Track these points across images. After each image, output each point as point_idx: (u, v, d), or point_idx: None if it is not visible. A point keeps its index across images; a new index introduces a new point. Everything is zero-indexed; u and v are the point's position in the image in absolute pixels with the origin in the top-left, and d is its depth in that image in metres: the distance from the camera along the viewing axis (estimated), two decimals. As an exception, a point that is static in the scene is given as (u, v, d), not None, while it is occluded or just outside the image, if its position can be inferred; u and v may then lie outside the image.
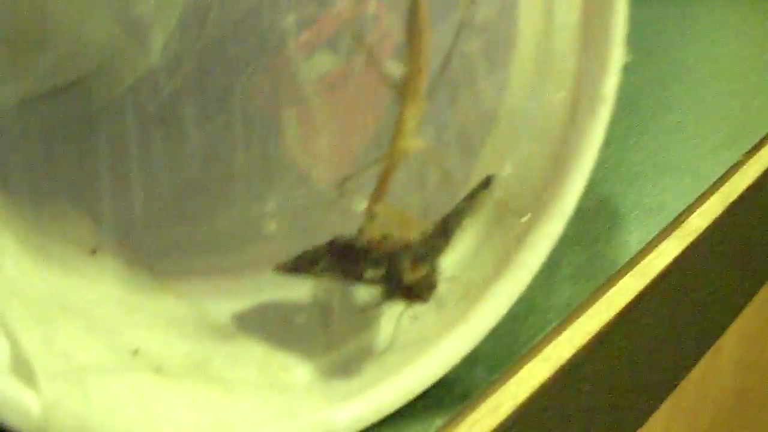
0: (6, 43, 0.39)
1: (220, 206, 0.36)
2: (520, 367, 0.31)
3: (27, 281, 0.28)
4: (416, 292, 0.26)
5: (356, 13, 0.35)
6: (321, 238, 0.29)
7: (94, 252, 0.32)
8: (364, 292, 0.30)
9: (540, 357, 0.31)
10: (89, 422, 0.23)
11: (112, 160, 0.36)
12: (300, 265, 0.29)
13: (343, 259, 0.28)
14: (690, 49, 0.57)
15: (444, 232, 0.28)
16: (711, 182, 0.41)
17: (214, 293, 0.32)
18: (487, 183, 0.29)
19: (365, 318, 0.30)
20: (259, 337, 0.30)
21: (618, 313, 0.34)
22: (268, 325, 0.31)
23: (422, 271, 0.26)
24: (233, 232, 0.35)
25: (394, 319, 0.28)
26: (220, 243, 0.35)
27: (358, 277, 0.28)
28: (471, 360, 0.28)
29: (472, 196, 0.29)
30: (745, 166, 0.43)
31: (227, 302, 0.32)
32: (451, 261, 0.30)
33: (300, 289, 0.32)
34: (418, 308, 0.27)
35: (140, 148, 0.36)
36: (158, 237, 0.34)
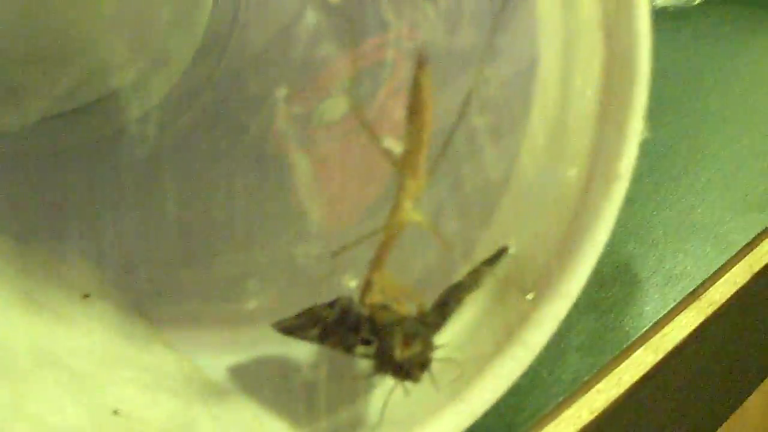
0: (26, 62, 0.38)
1: (222, 251, 0.35)
2: (518, 449, 0.29)
3: (9, 332, 0.27)
4: (406, 369, 0.25)
5: (375, 59, 0.34)
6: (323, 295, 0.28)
7: (86, 297, 0.31)
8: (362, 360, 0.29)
9: (540, 437, 0.30)
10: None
11: (115, 193, 0.35)
12: (298, 326, 0.28)
13: (339, 326, 0.27)
14: (727, 99, 0.54)
15: (442, 307, 0.27)
16: (737, 249, 0.40)
17: (209, 345, 0.31)
18: (492, 260, 0.27)
19: (356, 389, 0.28)
20: (251, 396, 0.29)
21: (627, 390, 0.32)
22: (263, 384, 0.30)
23: (414, 349, 0.25)
24: (233, 280, 0.34)
25: (386, 392, 0.27)
26: (219, 290, 0.34)
27: (350, 348, 0.27)
28: (466, 438, 0.27)
29: (476, 272, 0.27)
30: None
31: (222, 355, 0.31)
32: (447, 336, 0.28)
33: (302, 346, 0.30)
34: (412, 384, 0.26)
35: (146, 182, 0.35)
36: (156, 279, 0.33)
